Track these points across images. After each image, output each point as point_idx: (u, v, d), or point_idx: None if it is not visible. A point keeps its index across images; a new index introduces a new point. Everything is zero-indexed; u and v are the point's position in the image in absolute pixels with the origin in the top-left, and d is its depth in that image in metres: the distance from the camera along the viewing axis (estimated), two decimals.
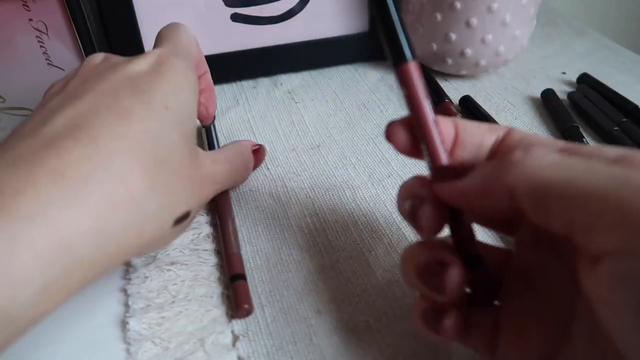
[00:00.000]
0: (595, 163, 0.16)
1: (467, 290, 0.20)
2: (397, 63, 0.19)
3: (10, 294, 0.17)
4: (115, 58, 0.26)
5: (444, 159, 0.20)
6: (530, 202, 0.17)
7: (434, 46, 0.43)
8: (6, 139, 0.21)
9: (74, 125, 0.21)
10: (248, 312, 0.25)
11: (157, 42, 0.28)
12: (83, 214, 0.19)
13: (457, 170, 0.19)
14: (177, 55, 0.26)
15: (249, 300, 0.25)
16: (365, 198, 0.32)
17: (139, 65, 0.24)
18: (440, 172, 0.20)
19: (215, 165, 0.28)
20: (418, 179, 0.21)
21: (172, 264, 0.28)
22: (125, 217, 0.20)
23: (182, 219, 0.23)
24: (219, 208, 0.31)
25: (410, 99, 0.20)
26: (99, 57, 0.26)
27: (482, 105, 0.40)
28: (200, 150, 0.26)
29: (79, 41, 0.36)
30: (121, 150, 0.21)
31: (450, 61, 0.43)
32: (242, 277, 0.27)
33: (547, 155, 0.17)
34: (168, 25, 0.29)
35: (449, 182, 0.19)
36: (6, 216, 0.17)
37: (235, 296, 0.26)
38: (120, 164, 0.20)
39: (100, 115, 0.21)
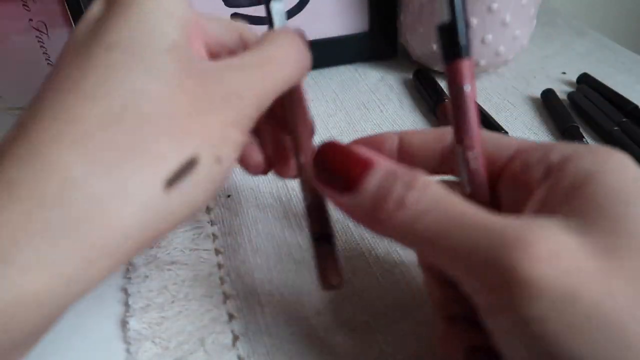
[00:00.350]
0: (469, 208, 0.15)
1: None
2: (450, 58, 0.19)
3: None
4: None
5: (482, 162, 0.19)
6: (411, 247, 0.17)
7: (434, 46, 0.43)
8: None
9: (12, 136, 0.17)
10: (336, 287, 0.20)
11: None
12: None
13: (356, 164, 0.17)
14: None
15: (337, 272, 0.20)
16: None
17: (90, 13, 0.20)
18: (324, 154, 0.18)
19: (233, 76, 0.19)
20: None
21: (173, 263, 0.28)
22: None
23: (181, 174, 0.17)
24: (289, 122, 0.24)
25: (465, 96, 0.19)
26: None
27: (482, 105, 0.40)
28: (207, 64, 0.19)
29: None
30: (49, 137, 0.16)
31: None
32: (327, 237, 0.21)
33: (418, 202, 0.16)
34: None
35: (329, 185, 0.18)
36: None
37: (319, 267, 0.21)
38: (49, 155, 0.16)
39: (35, 107, 0.17)
